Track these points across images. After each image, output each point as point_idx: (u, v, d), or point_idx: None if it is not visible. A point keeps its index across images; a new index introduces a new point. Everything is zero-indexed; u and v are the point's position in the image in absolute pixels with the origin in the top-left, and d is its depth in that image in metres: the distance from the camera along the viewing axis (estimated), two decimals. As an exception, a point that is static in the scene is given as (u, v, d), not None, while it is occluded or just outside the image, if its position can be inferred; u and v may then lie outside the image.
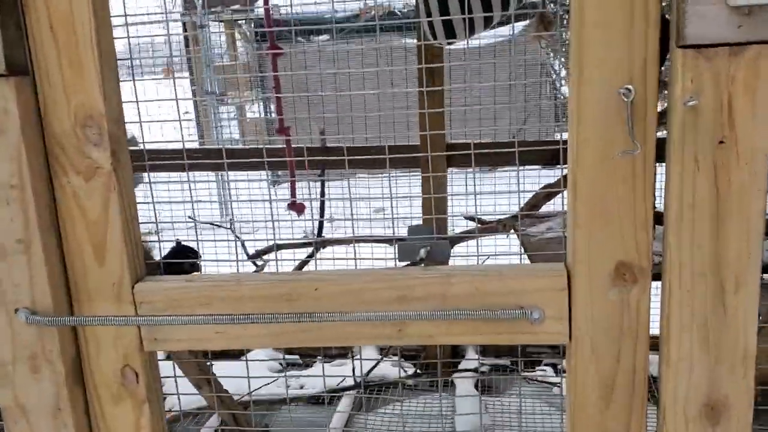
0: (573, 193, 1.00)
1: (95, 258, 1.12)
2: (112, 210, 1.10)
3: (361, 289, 1.07)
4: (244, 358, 2.60)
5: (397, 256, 1.11)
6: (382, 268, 1.12)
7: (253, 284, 1.10)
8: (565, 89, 8.51)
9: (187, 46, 6.28)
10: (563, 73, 8.85)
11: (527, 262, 2.42)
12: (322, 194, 2.92)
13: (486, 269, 1.06)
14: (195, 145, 5.81)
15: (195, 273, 2.41)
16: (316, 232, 3.00)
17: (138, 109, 1.68)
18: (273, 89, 2.43)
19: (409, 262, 1.11)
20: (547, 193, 2.71)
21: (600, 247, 1.00)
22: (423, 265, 1.10)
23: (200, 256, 2.38)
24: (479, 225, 2.93)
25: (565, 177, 2.19)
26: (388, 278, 1.07)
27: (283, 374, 3.24)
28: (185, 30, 6.19)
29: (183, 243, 2.41)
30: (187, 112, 6.07)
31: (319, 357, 3.67)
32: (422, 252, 1.08)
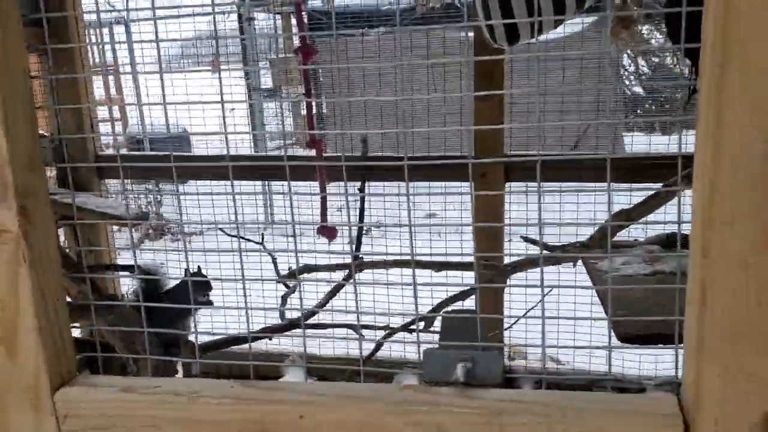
0: (699, 304, 0.63)
1: (5, 351, 0.81)
2: (22, 288, 0.78)
3: (365, 423, 0.72)
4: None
5: (423, 372, 0.75)
6: (396, 386, 0.77)
7: (213, 404, 0.77)
8: (636, 89, 8.01)
9: (241, 32, 5.95)
10: (632, 68, 8.33)
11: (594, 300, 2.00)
12: (362, 208, 2.55)
13: (561, 405, 0.70)
14: (247, 144, 5.52)
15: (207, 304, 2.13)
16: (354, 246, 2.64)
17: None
18: (305, 95, 2.08)
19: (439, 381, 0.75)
20: (622, 221, 2.24)
21: (739, 390, 0.64)
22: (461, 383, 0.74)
23: (211, 288, 2.07)
24: (543, 251, 2.47)
25: (655, 194, 1.71)
26: (405, 407, 0.72)
27: None
28: (240, 22, 5.89)
29: (196, 272, 2.10)
30: (233, 109, 5.78)
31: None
32: (460, 370, 0.72)
